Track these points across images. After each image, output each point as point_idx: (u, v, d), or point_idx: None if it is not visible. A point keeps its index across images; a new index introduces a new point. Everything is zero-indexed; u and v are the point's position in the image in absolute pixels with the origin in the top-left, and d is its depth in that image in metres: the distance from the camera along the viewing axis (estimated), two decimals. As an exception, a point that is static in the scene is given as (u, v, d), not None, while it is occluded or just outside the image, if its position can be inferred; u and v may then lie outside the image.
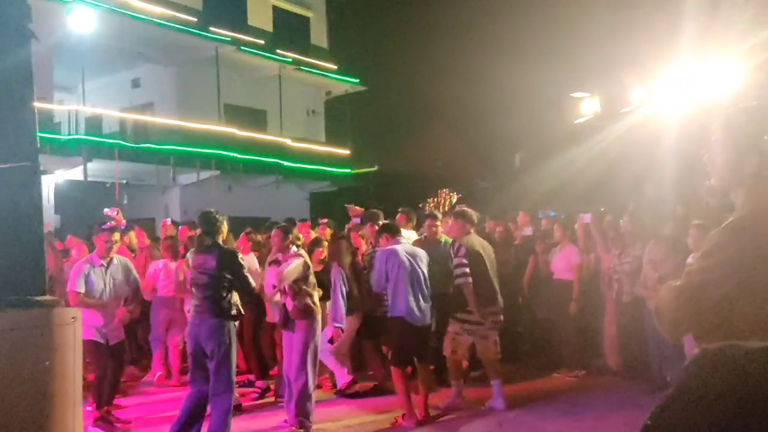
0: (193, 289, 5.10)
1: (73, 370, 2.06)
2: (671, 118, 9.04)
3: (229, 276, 4.97)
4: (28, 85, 2.05)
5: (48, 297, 2.10)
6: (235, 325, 5.11)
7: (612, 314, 7.31)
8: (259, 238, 8.29)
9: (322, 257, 6.66)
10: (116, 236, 5.98)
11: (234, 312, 5.04)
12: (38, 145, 2.13)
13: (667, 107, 9.21)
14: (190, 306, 5.44)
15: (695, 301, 1.97)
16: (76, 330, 2.02)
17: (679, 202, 8.02)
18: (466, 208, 6.51)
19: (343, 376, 6.68)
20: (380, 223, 6.61)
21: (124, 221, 8.33)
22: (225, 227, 5.27)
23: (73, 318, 2.03)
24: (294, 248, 5.66)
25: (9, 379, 1.95)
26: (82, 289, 5.69)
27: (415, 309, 5.63)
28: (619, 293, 7.15)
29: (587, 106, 10.80)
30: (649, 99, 9.58)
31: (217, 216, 5.18)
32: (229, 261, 5.00)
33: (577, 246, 7.57)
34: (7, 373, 1.93)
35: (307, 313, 5.50)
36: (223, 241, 5.20)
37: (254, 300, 5.85)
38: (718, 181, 2.11)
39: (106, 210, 8.33)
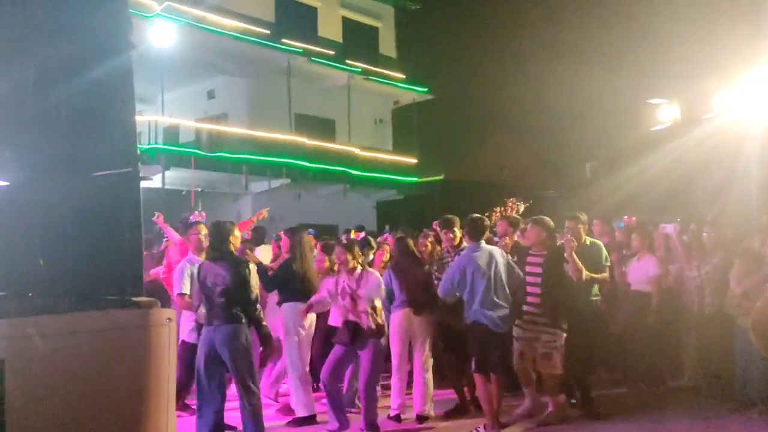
0: (204, 297, 5.04)
1: (167, 370, 2.14)
2: (756, 124, 8.64)
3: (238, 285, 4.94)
4: (130, 93, 2.17)
5: (145, 298, 2.20)
6: (250, 332, 5.02)
7: (692, 327, 7.03)
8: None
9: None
10: (204, 229, 6.05)
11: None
12: (138, 151, 2.25)
13: (752, 113, 8.80)
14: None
15: None
16: (171, 330, 2.11)
17: (764, 213, 7.64)
18: (543, 216, 6.35)
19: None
20: (455, 228, 6.49)
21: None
22: (237, 235, 5.24)
23: (168, 319, 2.12)
24: (359, 267, 5.67)
25: (107, 377, 2.04)
26: (188, 290, 5.70)
27: (494, 315, 5.54)
28: (700, 306, 6.87)
29: (665, 112, 10.43)
30: (732, 105, 9.18)
31: (227, 225, 5.16)
32: (238, 271, 4.96)
33: (655, 256, 7.30)
34: (105, 370, 2.02)
35: (380, 332, 5.55)
36: (234, 248, 5.19)
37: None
38: None
39: (189, 214, 8.58)
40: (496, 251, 5.78)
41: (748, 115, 8.90)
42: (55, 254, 2.00)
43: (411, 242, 6.51)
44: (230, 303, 4.91)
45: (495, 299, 5.55)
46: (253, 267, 5.15)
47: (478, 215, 5.97)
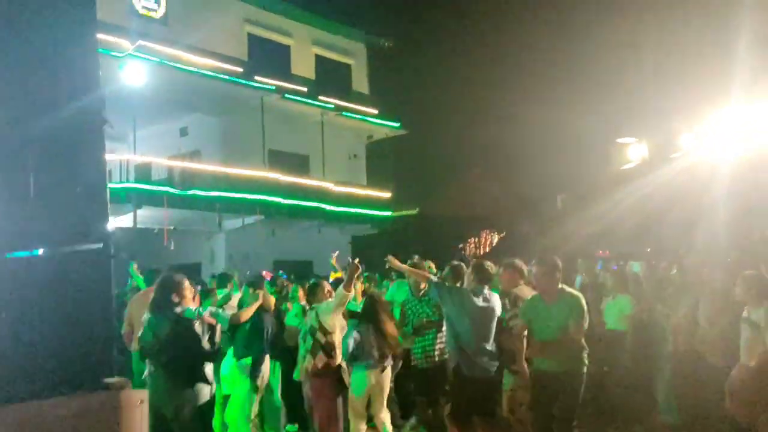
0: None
1: (139, 453, 2.07)
2: (722, 163, 8.85)
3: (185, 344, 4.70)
4: (100, 153, 2.11)
5: (116, 379, 2.14)
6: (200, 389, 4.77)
7: (667, 367, 7.08)
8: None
9: None
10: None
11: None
12: (110, 229, 2.20)
13: (718, 153, 9.02)
14: None
15: None
16: (143, 412, 2.04)
17: (732, 249, 7.80)
18: (516, 260, 6.32)
19: None
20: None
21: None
22: (188, 292, 4.97)
23: (140, 400, 2.06)
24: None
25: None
26: None
27: (477, 359, 5.45)
28: (675, 344, 6.93)
29: (634, 151, 10.66)
30: (699, 144, 9.41)
31: (176, 279, 4.90)
32: (178, 333, 4.70)
33: (629, 295, 7.38)
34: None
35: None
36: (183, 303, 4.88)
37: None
38: None
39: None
40: (495, 297, 5.72)
41: (713, 155, 9.12)
42: (19, 336, 1.94)
43: (381, 302, 6.20)
44: (169, 360, 4.67)
45: (485, 346, 5.48)
46: (199, 324, 4.83)
47: (486, 263, 5.86)
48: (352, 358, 5.69)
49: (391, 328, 5.83)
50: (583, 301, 5.30)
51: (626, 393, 7.22)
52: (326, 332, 5.58)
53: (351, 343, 5.67)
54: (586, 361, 5.19)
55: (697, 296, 6.56)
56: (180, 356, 4.65)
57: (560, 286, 5.36)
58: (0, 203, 2.15)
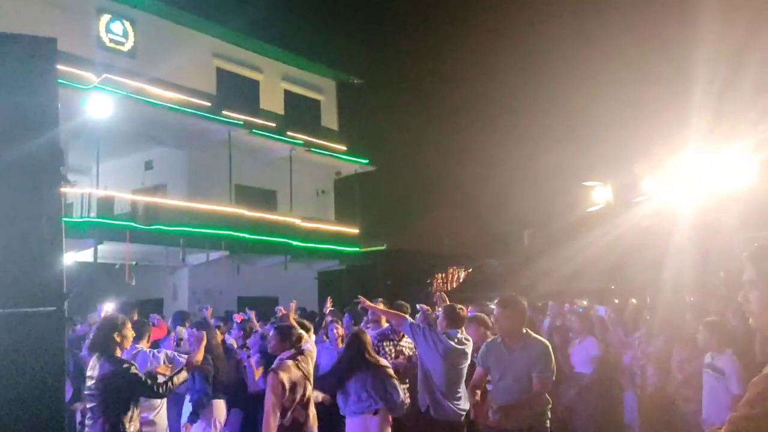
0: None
1: None
2: (684, 208, 9.06)
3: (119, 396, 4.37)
4: (58, 233, 2.02)
5: (67, 451, 2.02)
6: None
7: (635, 411, 7.10)
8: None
9: None
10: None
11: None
12: (64, 289, 2.10)
13: (679, 197, 9.24)
14: None
15: None
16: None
17: (694, 292, 7.93)
18: (478, 314, 6.25)
19: None
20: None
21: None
22: (129, 333, 4.67)
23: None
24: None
25: None
26: None
27: (447, 401, 5.34)
28: (643, 386, 6.96)
29: (599, 194, 10.86)
30: (660, 189, 9.63)
31: (113, 320, 4.64)
32: (115, 374, 4.35)
33: (595, 338, 7.42)
34: None
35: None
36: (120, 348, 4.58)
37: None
38: (757, 321, 2.08)
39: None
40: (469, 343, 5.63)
41: (674, 199, 9.34)
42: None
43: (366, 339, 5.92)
44: (100, 409, 4.33)
45: (456, 389, 5.42)
46: (134, 370, 4.47)
47: (457, 306, 5.80)
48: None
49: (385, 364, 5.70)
50: (550, 348, 4.78)
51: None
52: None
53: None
54: (549, 414, 4.81)
55: (669, 339, 6.62)
56: (111, 400, 4.34)
57: (524, 330, 4.82)
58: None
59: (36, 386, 2.00)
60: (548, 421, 4.77)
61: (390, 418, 5.49)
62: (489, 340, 5.20)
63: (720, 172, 8.22)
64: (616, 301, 8.82)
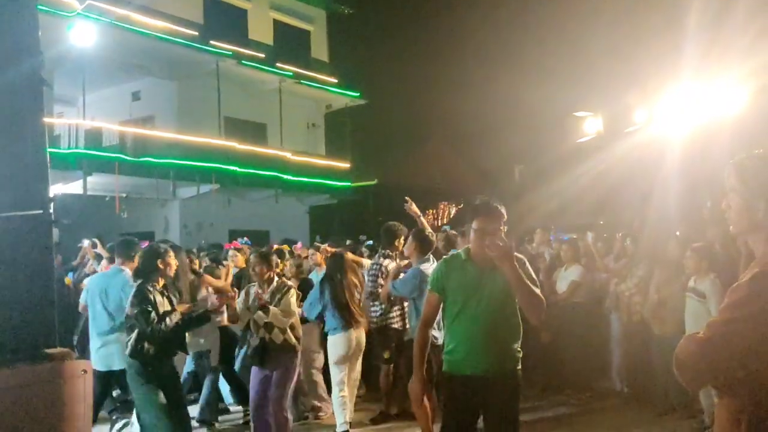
0: None
1: (83, 422, 2.01)
2: (675, 138, 9.04)
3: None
4: (40, 128, 2.00)
5: (59, 349, 2.07)
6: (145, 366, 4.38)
7: (618, 335, 7.29)
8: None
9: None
10: None
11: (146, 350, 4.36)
12: (51, 194, 2.10)
13: (671, 128, 9.21)
14: None
15: (719, 354, 1.93)
16: (86, 382, 1.98)
17: (681, 223, 8.01)
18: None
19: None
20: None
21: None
22: (172, 261, 4.72)
23: (83, 370, 1.99)
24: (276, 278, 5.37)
25: (19, 432, 1.91)
26: None
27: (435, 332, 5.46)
28: (626, 314, 7.13)
29: (590, 125, 10.79)
30: (652, 119, 9.58)
31: (160, 250, 4.67)
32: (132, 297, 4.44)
33: (581, 265, 7.53)
34: (19, 427, 1.89)
35: (293, 349, 5.36)
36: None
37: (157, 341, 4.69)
38: (735, 227, 2.10)
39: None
40: None
41: (666, 129, 9.31)
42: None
43: (349, 257, 6.40)
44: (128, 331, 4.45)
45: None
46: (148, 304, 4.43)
47: (426, 230, 5.94)
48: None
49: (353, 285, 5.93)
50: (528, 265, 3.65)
51: (577, 361, 7.40)
52: None
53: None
54: (520, 355, 3.60)
55: (651, 267, 6.73)
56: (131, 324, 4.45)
57: None
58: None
59: (25, 287, 2.03)
60: (519, 365, 3.61)
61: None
62: (446, 256, 4.07)
63: (711, 102, 8.17)
64: (605, 235, 8.89)
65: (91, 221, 14.34)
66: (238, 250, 8.28)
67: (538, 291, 3.43)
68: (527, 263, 3.59)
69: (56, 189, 16.39)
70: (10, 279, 1.96)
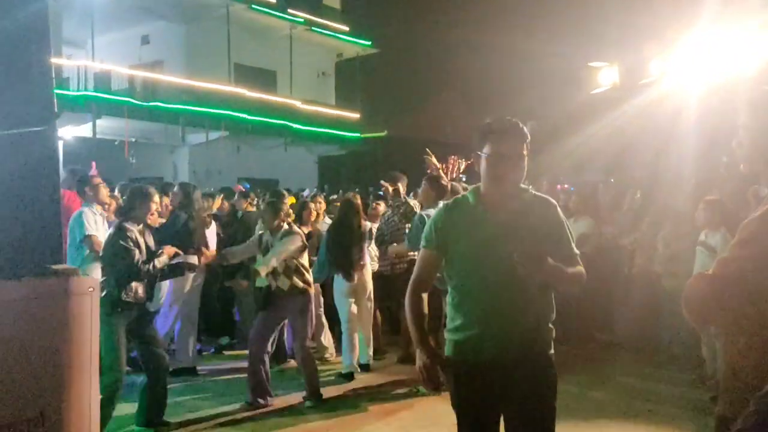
0: None
1: (90, 340, 2.03)
2: (691, 91, 8.84)
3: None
4: (44, 42, 1.96)
5: (65, 266, 2.07)
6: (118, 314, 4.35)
7: (624, 287, 7.30)
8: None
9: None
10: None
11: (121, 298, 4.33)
12: (55, 108, 2.07)
13: (688, 80, 9.00)
14: None
15: (729, 290, 1.91)
16: (93, 299, 1.99)
17: (695, 177, 7.91)
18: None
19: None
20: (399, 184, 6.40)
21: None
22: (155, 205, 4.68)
23: (90, 288, 1.99)
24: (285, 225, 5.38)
25: (26, 348, 1.93)
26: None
27: None
28: (630, 267, 7.12)
29: (605, 76, 10.55)
30: (669, 71, 9.36)
31: (147, 190, 4.62)
32: (109, 245, 4.42)
33: (590, 218, 7.49)
34: (24, 342, 1.90)
35: (305, 292, 5.38)
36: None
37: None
38: (747, 165, 2.05)
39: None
40: None
41: (683, 82, 9.11)
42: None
43: (358, 203, 6.40)
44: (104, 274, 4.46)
45: None
46: (127, 242, 4.43)
47: (437, 175, 5.92)
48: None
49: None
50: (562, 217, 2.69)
51: (582, 313, 7.43)
52: None
53: None
54: (553, 333, 2.64)
55: (658, 219, 6.68)
56: (108, 265, 4.44)
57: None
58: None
59: (31, 208, 2.02)
60: (552, 346, 2.64)
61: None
62: (447, 201, 3.16)
63: (731, 52, 7.96)
64: (613, 193, 8.79)
65: (100, 165, 14.34)
66: (244, 194, 8.33)
67: (580, 269, 2.57)
68: (559, 211, 2.62)
69: (66, 131, 16.39)
70: (16, 195, 1.95)
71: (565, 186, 8.59)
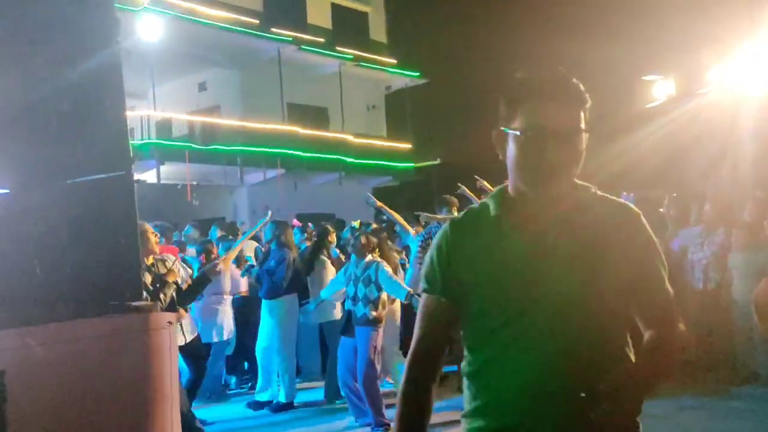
0: None
1: (169, 373, 2.13)
2: (751, 98, 8.59)
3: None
4: (119, 93, 2.13)
5: (144, 302, 2.19)
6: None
7: (695, 303, 7.05)
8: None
9: None
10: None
11: None
12: (131, 153, 2.22)
13: (747, 87, 8.75)
14: None
15: None
16: (171, 334, 2.09)
17: (757, 186, 7.64)
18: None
19: None
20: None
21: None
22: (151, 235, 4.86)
23: (168, 322, 2.10)
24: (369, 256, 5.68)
25: (109, 383, 2.03)
26: None
27: None
28: (703, 281, 6.88)
29: (660, 88, 10.36)
30: (727, 79, 9.11)
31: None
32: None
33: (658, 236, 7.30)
34: (107, 376, 2.01)
35: (375, 322, 5.52)
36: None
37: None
38: None
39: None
40: None
41: (742, 89, 8.86)
42: (52, 262, 1.98)
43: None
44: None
45: None
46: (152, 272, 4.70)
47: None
48: None
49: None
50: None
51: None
52: None
53: None
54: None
55: (729, 232, 6.48)
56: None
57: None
58: (26, 144, 2.18)
59: (111, 249, 2.15)
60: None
61: None
62: (456, 215, 2.31)
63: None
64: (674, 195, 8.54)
65: (166, 209, 14.90)
66: (302, 229, 8.60)
67: (678, 329, 1.60)
68: (645, 225, 1.64)
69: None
70: (98, 237, 2.08)
71: (631, 194, 8.30)
